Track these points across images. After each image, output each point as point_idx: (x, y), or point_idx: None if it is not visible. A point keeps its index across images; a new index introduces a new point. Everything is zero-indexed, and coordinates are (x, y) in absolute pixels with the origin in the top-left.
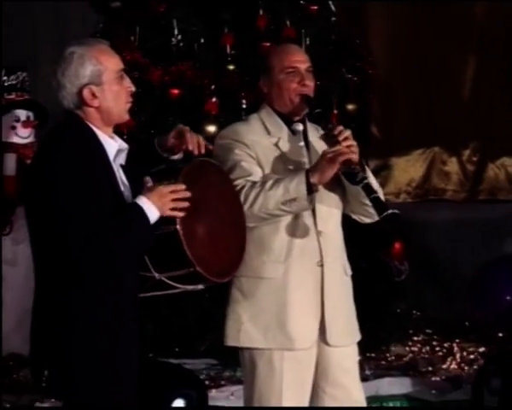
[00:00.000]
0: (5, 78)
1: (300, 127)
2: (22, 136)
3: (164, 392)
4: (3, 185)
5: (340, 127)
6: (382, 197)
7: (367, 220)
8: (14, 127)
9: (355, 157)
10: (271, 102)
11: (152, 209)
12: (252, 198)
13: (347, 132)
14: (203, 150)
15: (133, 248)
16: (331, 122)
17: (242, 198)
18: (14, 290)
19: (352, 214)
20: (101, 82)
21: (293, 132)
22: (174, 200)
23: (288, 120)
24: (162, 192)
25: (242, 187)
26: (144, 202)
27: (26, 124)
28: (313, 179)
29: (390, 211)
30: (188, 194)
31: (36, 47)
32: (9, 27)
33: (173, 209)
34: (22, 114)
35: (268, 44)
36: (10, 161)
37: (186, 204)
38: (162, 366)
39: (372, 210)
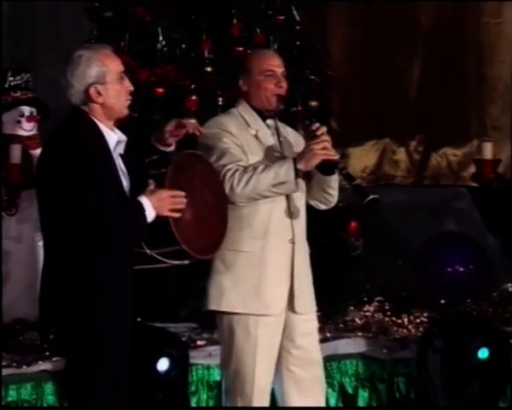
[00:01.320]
0: (11, 78)
1: (273, 123)
2: (26, 129)
3: (150, 352)
4: (10, 172)
5: (318, 124)
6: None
7: (323, 207)
8: (19, 121)
9: (332, 154)
10: (249, 99)
11: (150, 209)
12: (245, 180)
13: (324, 128)
14: (202, 131)
15: (130, 236)
16: (309, 119)
17: (236, 180)
18: (18, 264)
19: (311, 200)
20: (105, 82)
21: (268, 126)
22: (173, 203)
23: (263, 116)
24: (162, 196)
25: (235, 170)
26: (145, 202)
27: (29, 119)
28: (300, 166)
29: (372, 196)
30: (184, 200)
31: (37, 51)
32: (14, 33)
33: (171, 211)
34: (26, 110)
35: (241, 49)
36: (16, 151)
37: (182, 206)
38: (149, 330)
39: (330, 198)
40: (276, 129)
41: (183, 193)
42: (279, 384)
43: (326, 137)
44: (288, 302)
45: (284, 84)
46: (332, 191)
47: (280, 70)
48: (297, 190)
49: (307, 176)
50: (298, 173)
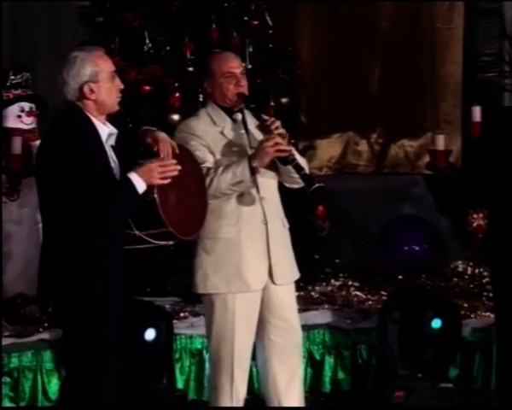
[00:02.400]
0: (12, 77)
1: (239, 117)
2: (26, 123)
3: (139, 323)
4: (12, 162)
5: (272, 119)
6: (308, 171)
7: (295, 186)
8: (19, 116)
9: (283, 148)
10: (215, 99)
11: (139, 182)
12: (208, 182)
13: (278, 122)
14: (170, 157)
15: (122, 211)
16: (264, 115)
17: None
18: (19, 244)
19: (284, 183)
20: (98, 80)
21: (235, 121)
22: (161, 172)
23: (230, 112)
24: (150, 167)
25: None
26: (133, 176)
27: (29, 113)
28: (254, 164)
29: (317, 185)
30: (176, 167)
31: (36, 53)
32: (14, 36)
33: (161, 178)
34: (26, 105)
35: (219, 51)
36: (17, 142)
37: (174, 174)
38: (137, 303)
39: (298, 179)
40: (244, 122)
41: (173, 160)
42: (261, 352)
43: (279, 131)
44: (268, 275)
45: (244, 83)
46: (296, 174)
47: (239, 70)
48: (254, 186)
49: (273, 163)
50: (253, 171)
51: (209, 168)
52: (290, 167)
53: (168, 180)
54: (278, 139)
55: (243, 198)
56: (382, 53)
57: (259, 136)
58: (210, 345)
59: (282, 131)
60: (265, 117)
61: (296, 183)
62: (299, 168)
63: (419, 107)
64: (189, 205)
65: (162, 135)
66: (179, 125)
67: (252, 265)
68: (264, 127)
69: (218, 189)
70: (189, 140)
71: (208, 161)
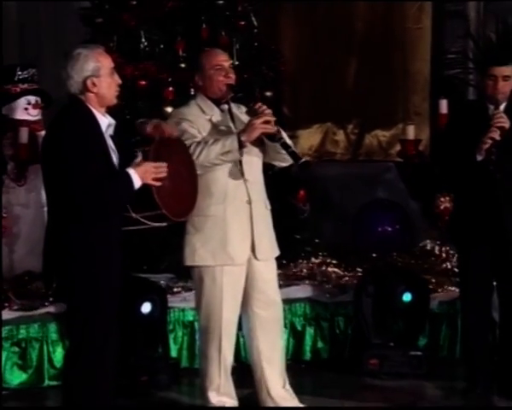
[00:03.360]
0: (20, 72)
1: (226, 107)
2: (32, 115)
3: (136, 297)
4: (19, 150)
5: (260, 103)
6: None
7: (283, 165)
8: (26, 108)
9: (271, 127)
10: (205, 91)
11: (136, 178)
12: (198, 151)
13: (265, 106)
14: (175, 134)
15: (119, 201)
16: (254, 100)
17: (192, 150)
18: (26, 225)
19: (272, 161)
20: (100, 75)
21: (222, 111)
22: (155, 173)
23: (217, 103)
24: (147, 168)
25: (191, 144)
26: (132, 172)
27: (35, 106)
28: (243, 138)
29: (303, 159)
30: (165, 171)
31: (41, 50)
32: (22, 35)
33: (153, 180)
34: (32, 99)
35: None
36: (24, 133)
37: (164, 175)
38: (134, 279)
39: (286, 156)
40: (230, 112)
41: (165, 164)
42: (246, 323)
43: (267, 112)
44: (251, 251)
45: (232, 75)
46: (284, 152)
47: (227, 63)
48: (240, 158)
49: (261, 143)
50: (241, 144)
51: (199, 141)
52: (278, 145)
53: (159, 183)
54: (266, 118)
55: (229, 180)
56: (357, 51)
57: (242, 124)
58: (199, 316)
59: (269, 112)
60: (255, 102)
61: (284, 160)
62: (286, 146)
63: (391, 100)
64: (181, 190)
65: (160, 122)
66: (172, 113)
67: (236, 240)
68: (252, 111)
69: (207, 158)
70: (181, 122)
71: (198, 138)
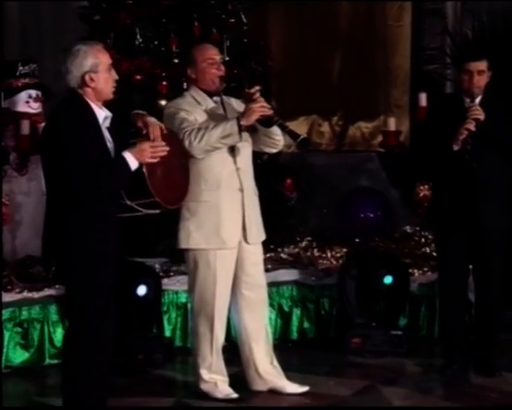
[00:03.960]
0: (21, 68)
1: (218, 98)
2: (33, 108)
3: (131, 280)
4: (21, 141)
5: (257, 87)
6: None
7: (274, 150)
8: (27, 102)
9: (268, 110)
10: (198, 83)
11: (132, 160)
12: (199, 136)
13: (258, 94)
14: (159, 139)
15: (116, 186)
16: (248, 88)
17: (193, 137)
18: (28, 213)
19: (265, 148)
20: (98, 70)
21: (215, 102)
22: (152, 152)
23: (210, 95)
24: (142, 147)
25: (192, 130)
26: (127, 154)
27: (36, 100)
28: (242, 122)
29: (302, 136)
30: (165, 148)
31: (42, 47)
32: (23, 32)
33: (151, 158)
34: (33, 92)
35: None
36: (25, 125)
37: (163, 154)
38: (130, 263)
39: (277, 142)
40: (222, 103)
41: (162, 142)
42: (234, 304)
43: (261, 99)
44: (242, 236)
45: (222, 68)
46: (277, 136)
47: (218, 57)
48: (240, 141)
49: (253, 130)
50: (241, 128)
51: (199, 127)
52: (272, 129)
53: (157, 159)
54: (263, 103)
55: (223, 168)
56: (342, 47)
57: (234, 113)
58: (192, 298)
59: (262, 99)
60: (249, 88)
61: (275, 145)
62: (283, 126)
63: (373, 94)
64: (173, 179)
65: (151, 119)
66: (168, 104)
67: (228, 225)
68: (248, 96)
69: (209, 142)
70: (178, 112)
71: (196, 124)
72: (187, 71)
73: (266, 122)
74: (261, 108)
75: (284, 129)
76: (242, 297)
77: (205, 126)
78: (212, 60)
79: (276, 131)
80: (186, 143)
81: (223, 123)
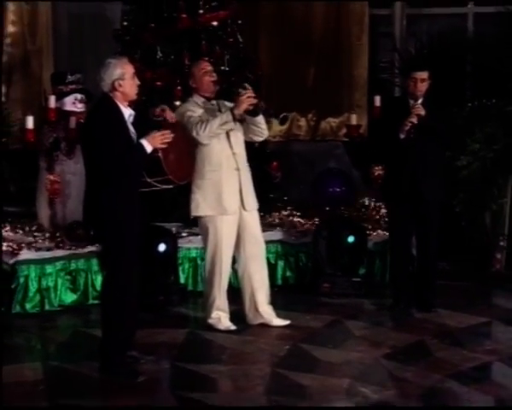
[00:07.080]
0: (69, 76)
1: (215, 102)
2: (79, 108)
3: (153, 239)
4: (69, 133)
5: (246, 87)
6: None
7: (260, 139)
8: (74, 103)
9: (253, 99)
10: (198, 91)
11: (147, 144)
12: (204, 126)
13: (250, 91)
14: (174, 119)
15: (137, 165)
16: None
17: (199, 127)
18: (75, 188)
19: (252, 136)
20: (124, 78)
21: (212, 105)
22: (161, 139)
23: (208, 100)
24: (154, 136)
25: (198, 122)
26: (143, 141)
27: (80, 101)
28: (235, 111)
29: (282, 115)
30: (170, 136)
31: (84, 60)
32: (70, 48)
33: (161, 143)
34: (78, 96)
35: (206, 59)
36: (72, 121)
37: (169, 140)
38: (152, 227)
39: (263, 131)
40: (218, 105)
41: (168, 131)
42: (239, 258)
43: (250, 94)
44: (241, 205)
45: (215, 75)
46: (262, 126)
47: (210, 67)
48: (235, 127)
49: (244, 120)
50: (235, 116)
51: (203, 121)
52: (258, 119)
53: (164, 146)
54: (250, 94)
55: (223, 152)
56: (316, 59)
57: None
58: (206, 254)
59: (251, 94)
60: (240, 88)
61: (261, 134)
62: (268, 109)
63: (340, 96)
64: (182, 160)
65: (166, 108)
66: (178, 107)
67: (228, 196)
68: (239, 95)
69: (211, 129)
70: (187, 111)
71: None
72: (189, 82)
73: (253, 112)
74: (248, 98)
75: (269, 111)
76: (246, 252)
77: (206, 119)
78: (205, 70)
79: (261, 120)
80: (194, 132)
81: (220, 115)
